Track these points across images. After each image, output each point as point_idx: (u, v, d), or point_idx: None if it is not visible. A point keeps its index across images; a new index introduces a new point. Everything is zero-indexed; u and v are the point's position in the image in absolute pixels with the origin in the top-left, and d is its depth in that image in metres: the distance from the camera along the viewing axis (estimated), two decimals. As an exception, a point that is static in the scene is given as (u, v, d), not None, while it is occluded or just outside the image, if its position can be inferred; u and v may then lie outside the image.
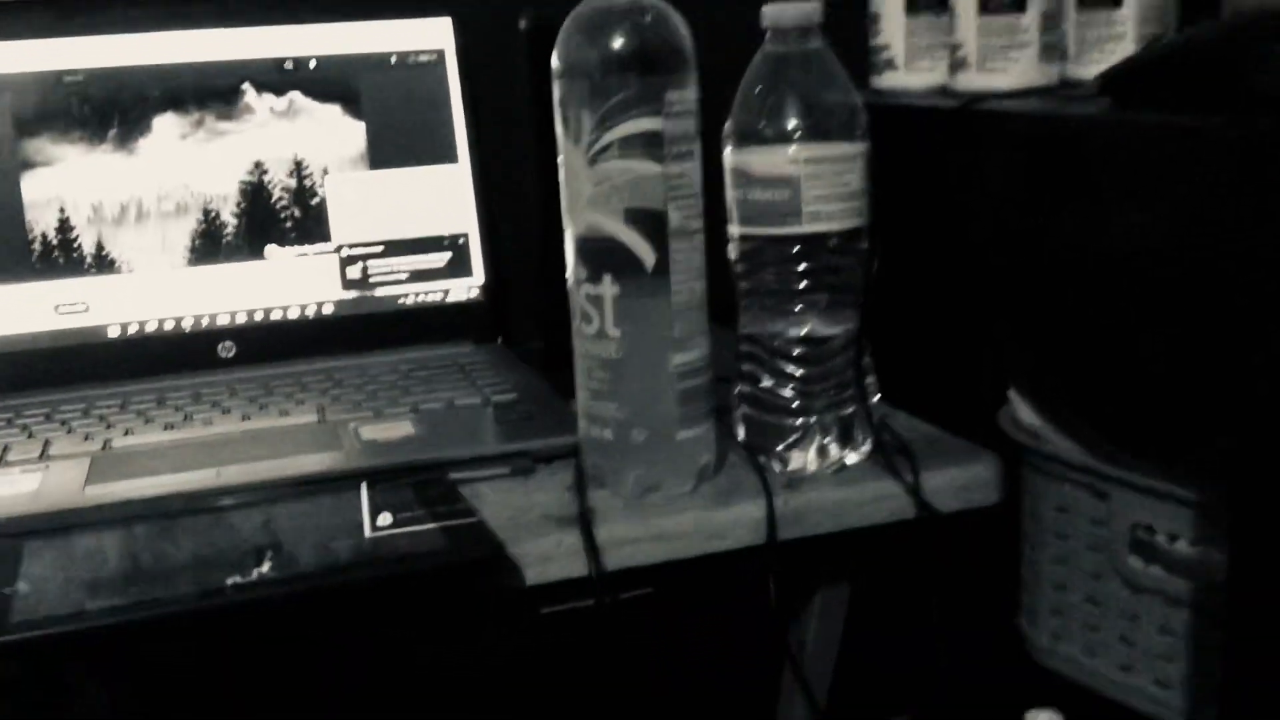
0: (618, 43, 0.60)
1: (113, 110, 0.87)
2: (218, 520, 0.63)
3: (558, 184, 0.64)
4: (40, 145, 0.85)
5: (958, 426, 0.72)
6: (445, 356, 0.89)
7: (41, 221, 0.85)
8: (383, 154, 0.92)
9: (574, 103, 0.61)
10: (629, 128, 0.60)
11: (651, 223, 0.61)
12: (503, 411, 0.76)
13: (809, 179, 0.64)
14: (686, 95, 0.61)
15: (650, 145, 0.60)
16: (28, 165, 0.85)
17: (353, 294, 0.91)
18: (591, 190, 0.61)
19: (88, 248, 0.86)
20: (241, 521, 0.63)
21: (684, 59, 0.61)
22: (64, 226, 0.86)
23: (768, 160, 0.65)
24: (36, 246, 0.85)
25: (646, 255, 0.61)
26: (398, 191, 0.92)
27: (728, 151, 0.67)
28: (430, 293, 0.92)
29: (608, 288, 0.62)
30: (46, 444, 0.74)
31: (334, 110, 0.91)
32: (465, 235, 0.93)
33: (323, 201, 0.90)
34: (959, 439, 0.70)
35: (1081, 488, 0.73)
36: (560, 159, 0.63)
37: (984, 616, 0.79)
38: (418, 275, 0.92)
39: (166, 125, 0.87)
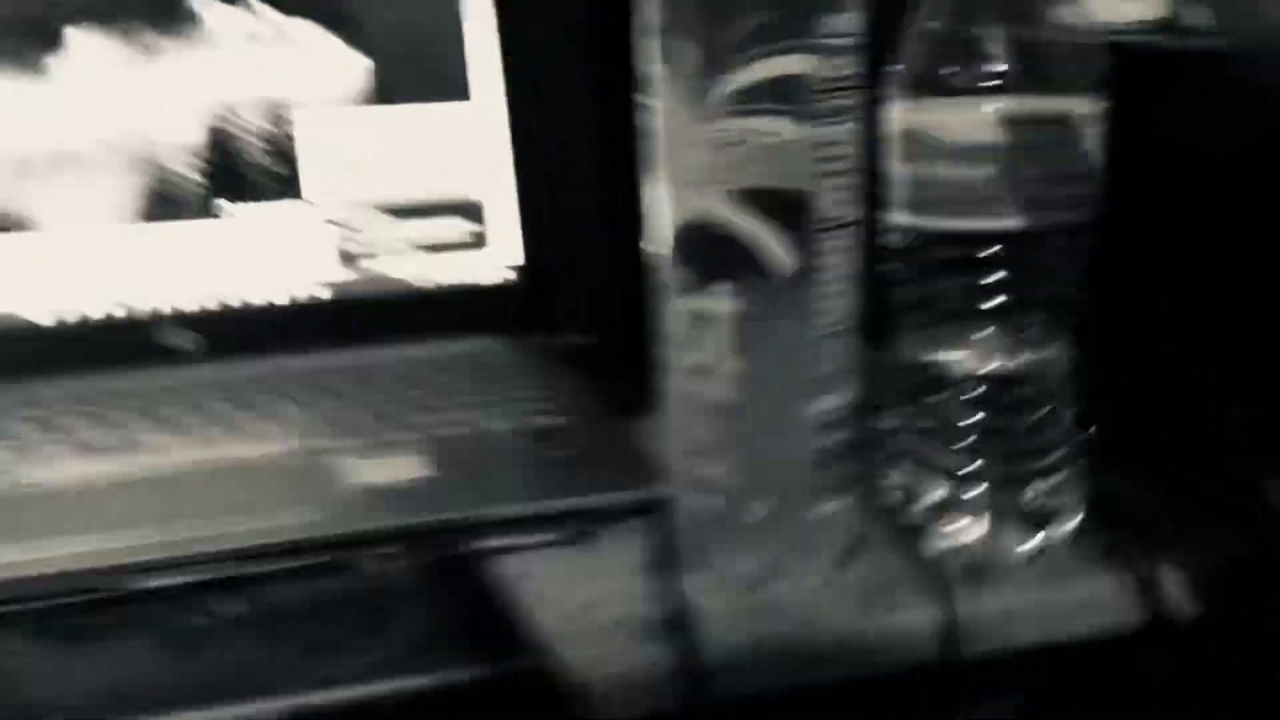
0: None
1: (16, 23, 0.66)
2: (139, 616, 0.45)
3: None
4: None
5: (1203, 496, 0.53)
6: (469, 356, 0.70)
7: (-56, 170, 0.65)
8: (386, 88, 0.71)
9: (678, 26, 0.41)
10: (763, 69, 0.40)
11: (791, 209, 0.42)
12: (548, 444, 0.57)
13: (1020, 150, 0.44)
14: (847, 23, 0.41)
15: (793, 96, 0.41)
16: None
17: (348, 272, 0.71)
18: (703, 159, 0.41)
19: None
20: (172, 621, 0.44)
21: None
22: (-25, 177, 0.66)
23: (959, 120, 0.45)
24: (-61, 202, 0.65)
25: (782, 256, 0.42)
26: (407, 139, 0.72)
27: (896, 107, 0.47)
28: (449, 271, 0.72)
29: (723, 301, 0.42)
30: (-60, 473, 0.55)
31: (316, 31, 0.70)
32: (497, 198, 0.73)
33: (307, 150, 0.70)
34: (1206, 511, 0.51)
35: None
36: (654, 109, 0.43)
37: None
38: (433, 248, 0.72)
39: (89, 44, 0.67)
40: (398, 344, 0.71)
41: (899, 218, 0.47)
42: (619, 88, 0.71)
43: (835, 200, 0.42)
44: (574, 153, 0.71)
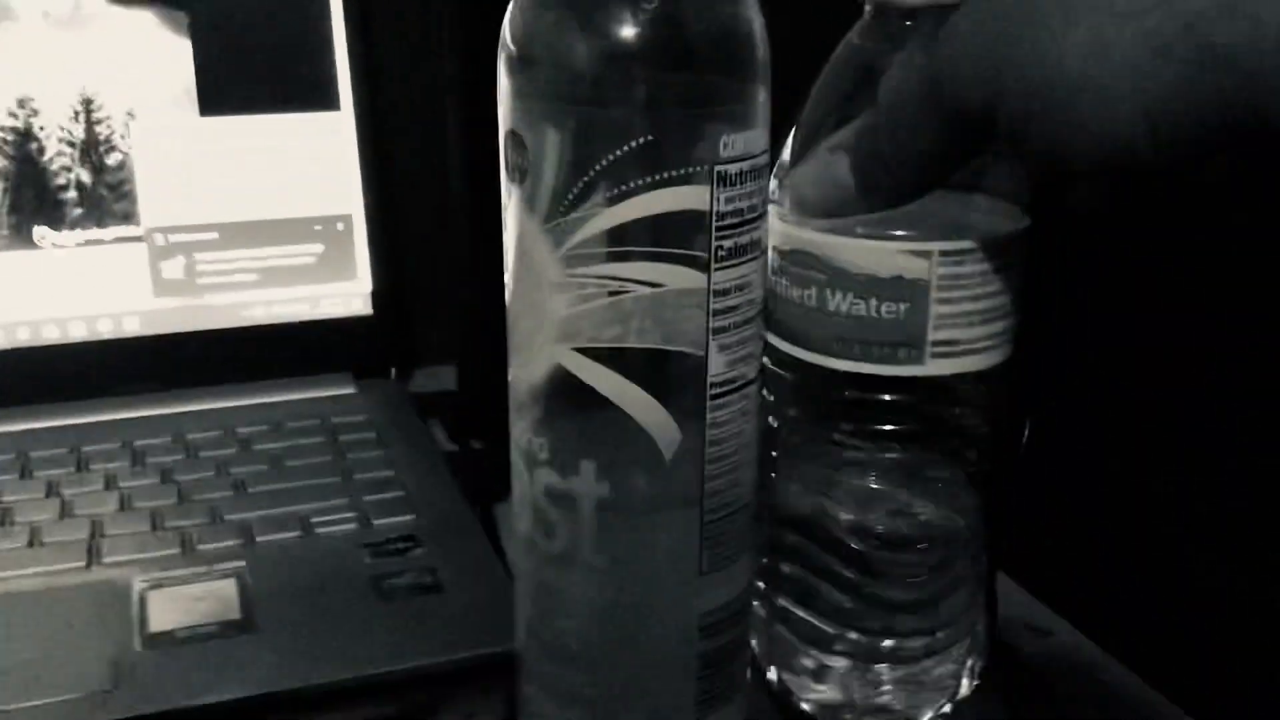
0: (634, 26, 0.30)
1: None
2: None
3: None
4: None
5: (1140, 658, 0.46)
6: (310, 406, 0.60)
7: None
8: (220, 91, 0.60)
9: (537, 130, 0.31)
10: (647, 204, 0.31)
11: (678, 375, 0.32)
12: (390, 561, 0.48)
13: (943, 285, 0.36)
14: (753, 137, 0.32)
15: (685, 236, 0.31)
16: None
17: (170, 301, 0.60)
18: (566, 310, 0.32)
19: None
20: None
21: (753, 63, 0.32)
22: None
23: (870, 248, 0.36)
24: None
25: (664, 431, 0.33)
26: (243, 150, 0.60)
27: (785, 219, 0.37)
28: (290, 302, 0.62)
29: (589, 484, 0.33)
30: None
31: (146, 18, 0.58)
32: (345, 218, 0.63)
33: (126, 161, 0.59)
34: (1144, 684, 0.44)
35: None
36: (506, 224, 0.33)
37: None
38: (271, 276, 0.62)
39: None
40: (228, 389, 0.61)
41: (783, 346, 0.38)
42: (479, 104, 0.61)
43: (732, 358, 0.33)
44: (429, 163, 0.61)
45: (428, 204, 0.62)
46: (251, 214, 0.61)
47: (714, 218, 0.31)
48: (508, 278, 0.34)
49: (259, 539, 0.49)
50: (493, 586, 0.46)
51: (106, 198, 0.59)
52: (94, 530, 0.49)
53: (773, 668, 0.42)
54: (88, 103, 0.58)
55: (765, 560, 0.41)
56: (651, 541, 0.34)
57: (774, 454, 0.40)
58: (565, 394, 0.33)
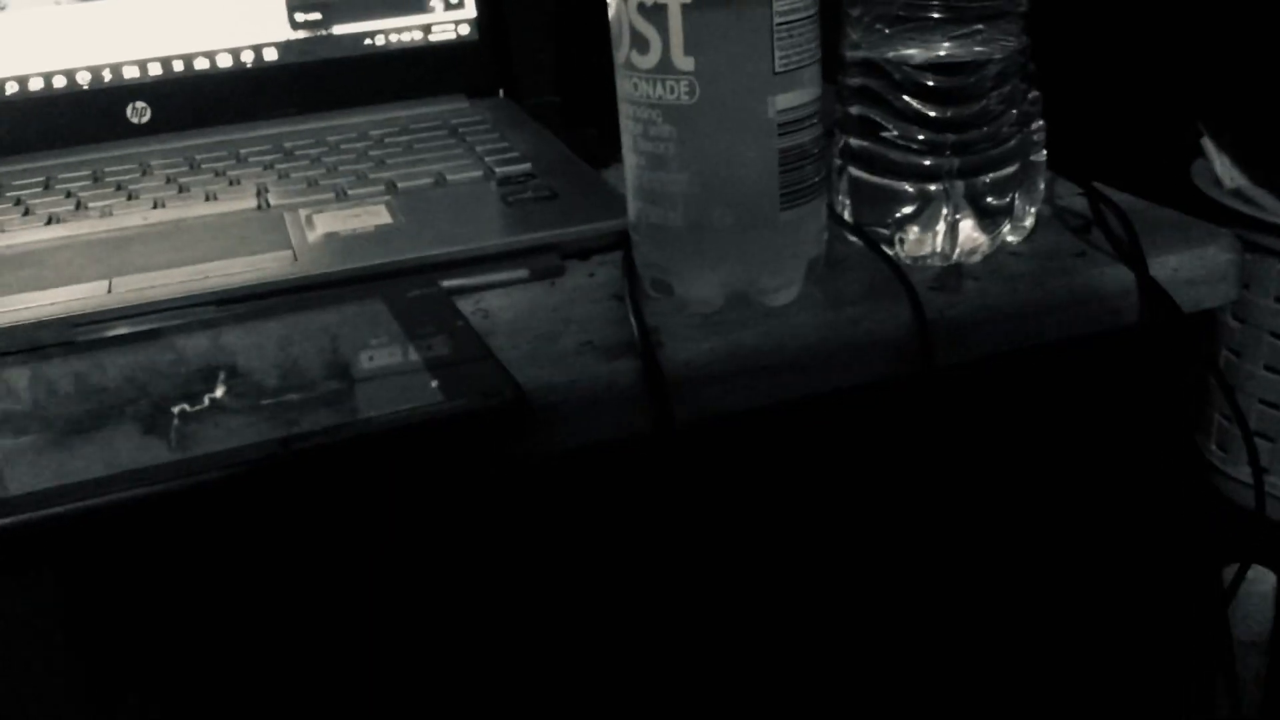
0: None
1: None
2: (93, 360, 0.43)
3: None
4: None
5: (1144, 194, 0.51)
6: (431, 116, 0.68)
7: None
8: None
9: None
10: None
11: (742, -119, 0.38)
12: (513, 188, 0.55)
13: None
14: None
15: None
16: None
17: (303, 33, 0.68)
18: None
19: (-66, -25, 0.63)
20: (115, 363, 0.43)
21: None
22: (-103, -54, 0.62)
23: None
24: None
25: (735, -65, 0.39)
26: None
27: None
28: (407, 30, 0.69)
29: (673, -9, 0.40)
30: (-119, 247, 0.53)
31: None
32: (449, -51, 0.69)
33: (253, -95, 0.66)
34: (1170, 210, 0.49)
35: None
36: None
37: (1153, 441, 0.60)
38: (390, 6, 0.69)
39: None
40: (358, 109, 0.68)
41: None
42: None
43: (790, -128, 0.39)
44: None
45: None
46: (366, -52, 0.68)
47: None
48: None
49: (401, 186, 0.56)
50: (604, 196, 0.53)
51: (240, -61, 0.66)
52: (260, 189, 0.57)
53: (849, 204, 0.48)
54: None
55: (838, 111, 0.47)
56: (731, 41, 0.40)
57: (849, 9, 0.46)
58: (649, -87, 0.39)
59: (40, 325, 0.44)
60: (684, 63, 0.40)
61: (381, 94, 0.69)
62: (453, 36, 0.70)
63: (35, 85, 0.65)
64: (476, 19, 0.70)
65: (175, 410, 0.38)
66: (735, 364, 0.42)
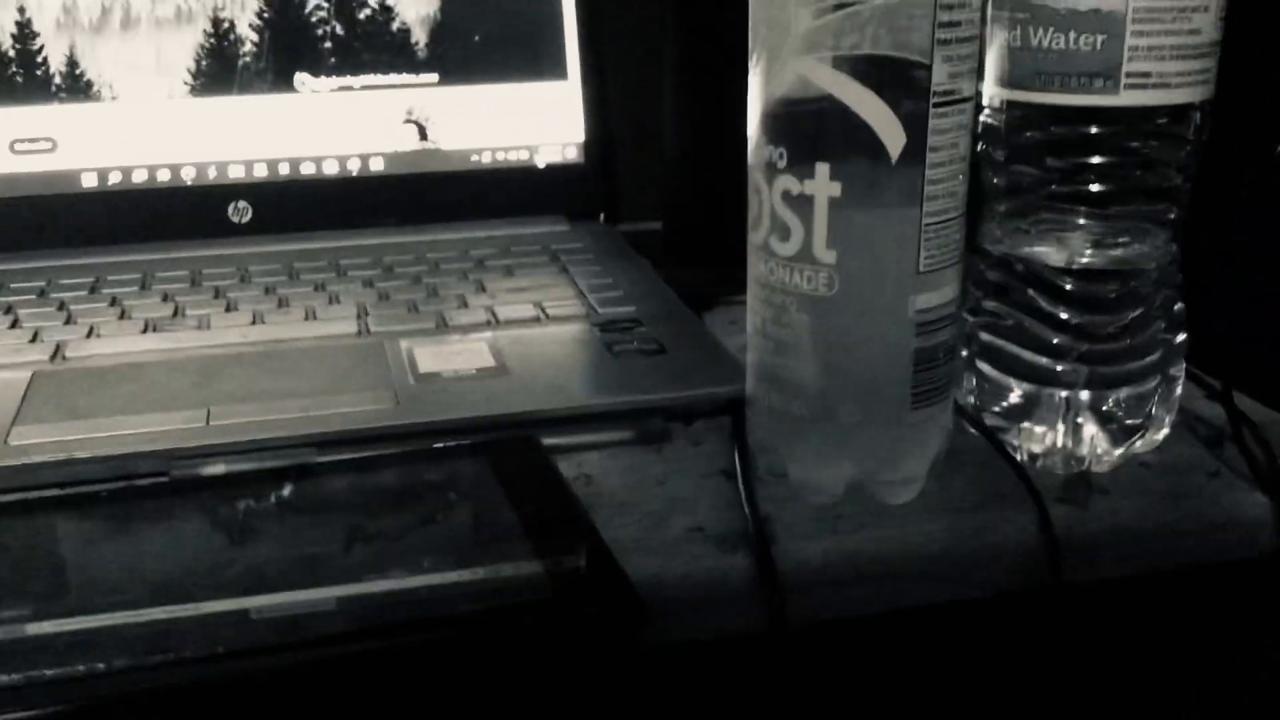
0: None
1: None
2: (194, 501, 0.42)
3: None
4: (-12, -84, 0.61)
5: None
6: (531, 238, 0.67)
7: (-10, 24, 0.62)
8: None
9: (786, -128, 0.36)
10: (885, -83, 0.36)
11: (905, 81, 0.37)
12: (618, 335, 0.53)
13: (1139, 18, 0.40)
14: None
15: (917, -50, 0.36)
16: (-29, -57, 0.61)
17: (411, 145, 0.67)
18: (809, 21, 0.37)
19: (56, 64, 0.63)
20: (225, 507, 0.41)
21: None
22: (23, 33, 0.62)
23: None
24: (-16, 59, 0.62)
25: (893, 134, 0.37)
26: (481, 11, 0.67)
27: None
28: (514, 148, 0.69)
29: (822, 184, 0.38)
30: (-22, 344, 0.52)
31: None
32: (562, 72, 0.69)
33: (375, 15, 0.66)
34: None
35: None
36: (753, -35, 0.39)
37: None
38: (499, 124, 0.68)
39: (162, -104, 0.63)
40: (460, 224, 0.68)
41: (991, 91, 0.43)
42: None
43: (954, 71, 0.38)
44: (645, 27, 0.67)
45: (637, 65, 0.68)
46: (482, 68, 0.67)
47: (942, -65, 0.36)
48: (751, 9, 0.39)
49: (502, 319, 0.55)
50: (710, 352, 0.52)
51: (359, 49, 0.66)
52: (360, 310, 0.56)
53: (975, 403, 0.46)
54: (345, -37, 0.65)
55: (971, 302, 0.45)
56: (876, 238, 0.39)
57: (991, 202, 0.44)
58: (804, 103, 0.38)
59: (138, 457, 0.43)
60: (826, 255, 0.39)
61: (482, 210, 0.68)
62: (558, 158, 0.69)
63: (139, 178, 0.65)
64: (583, 141, 0.69)
65: (265, 568, 0.37)
66: (853, 569, 0.40)
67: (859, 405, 0.40)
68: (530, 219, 0.69)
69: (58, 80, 0.63)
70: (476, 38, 0.67)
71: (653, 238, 0.70)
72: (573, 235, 0.68)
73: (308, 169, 0.66)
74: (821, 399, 0.40)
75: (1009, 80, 0.42)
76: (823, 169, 0.38)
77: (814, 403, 0.41)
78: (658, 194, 0.72)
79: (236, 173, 0.65)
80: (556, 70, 0.68)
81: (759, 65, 0.39)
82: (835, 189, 0.38)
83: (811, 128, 0.38)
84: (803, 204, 0.39)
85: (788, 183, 0.39)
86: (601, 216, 0.70)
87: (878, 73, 0.37)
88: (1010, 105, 0.43)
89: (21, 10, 0.62)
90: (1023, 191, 0.44)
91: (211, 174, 0.65)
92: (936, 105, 0.38)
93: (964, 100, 0.38)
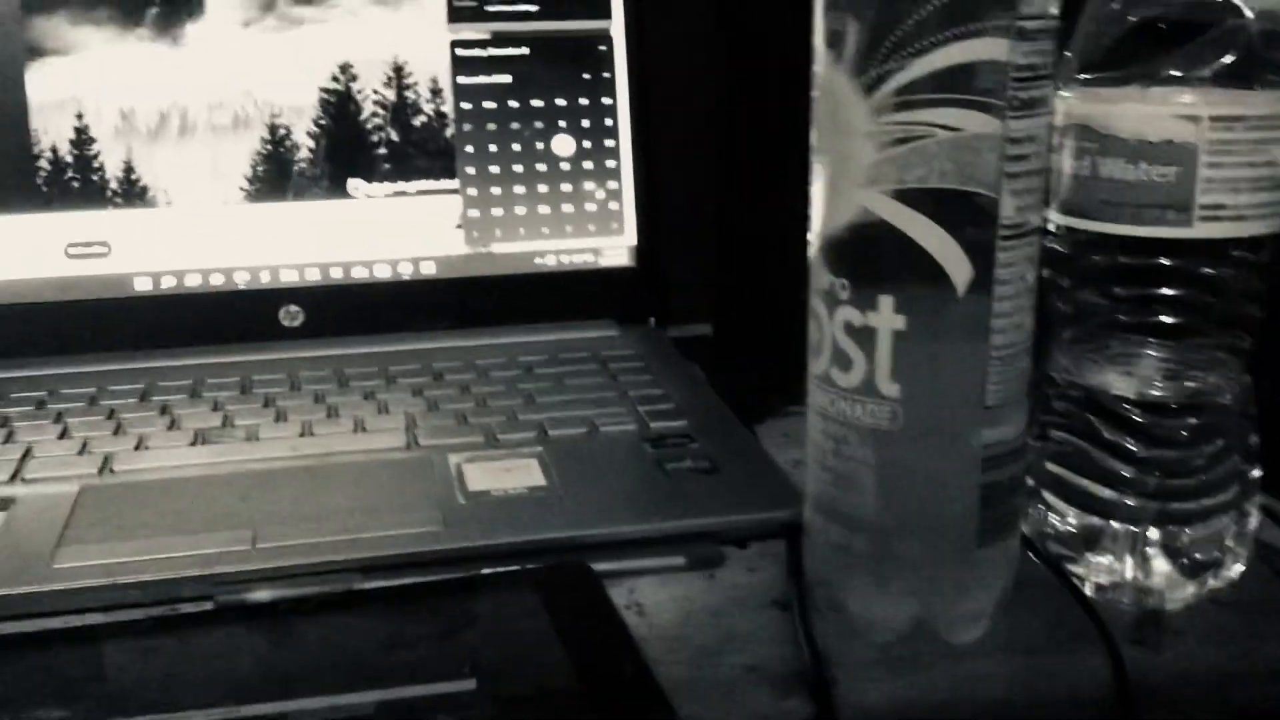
0: (944, -98, 0.34)
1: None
2: (239, 628, 0.41)
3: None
4: (54, 26, 0.62)
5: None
6: (580, 343, 0.66)
7: (51, 131, 0.63)
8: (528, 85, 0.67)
9: (851, 4, 0.36)
10: (953, 53, 0.35)
11: (972, 214, 0.36)
12: (670, 451, 0.52)
13: (1213, 150, 0.39)
14: (1048, 1, 0.36)
15: (986, 85, 0.35)
16: (36, 52, 0.62)
17: (463, 250, 0.67)
18: (874, 154, 0.36)
19: (112, 170, 0.64)
20: (268, 634, 0.41)
21: (1050, -64, 0.36)
22: (81, 139, 0.63)
23: (1142, 113, 0.39)
24: (44, 164, 0.63)
25: (959, 268, 0.37)
26: (532, 117, 0.68)
27: (1065, 94, 0.41)
28: (567, 254, 0.68)
29: (886, 316, 0.37)
30: (27, 454, 0.52)
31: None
32: (616, 176, 0.69)
33: (429, 122, 0.66)
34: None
35: None
36: (817, 88, 0.38)
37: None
38: (551, 229, 0.68)
39: (225, 6, 0.64)
40: (509, 328, 0.67)
41: (1058, 219, 0.42)
42: (750, 64, 0.66)
43: (1021, 204, 0.37)
44: (688, 117, 0.67)
45: (689, 172, 0.68)
46: (533, 174, 0.67)
47: (1012, 69, 0.35)
48: (814, 138, 0.38)
49: (551, 434, 0.54)
50: (765, 472, 0.50)
51: (412, 155, 0.66)
52: (409, 422, 0.55)
53: (1040, 533, 0.45)
54: (399, 70, 0.66)
55: (1036, 429, 0.44)
56: (942, 373, 0.38)
57: (1060, 332, 0.43)
58: (868, 235, 0.37)
59: (182, 581, 0.42)
60: (889, 388, 0.38)
61: (531, 314, 0.68)
62: (609, 262, 0.69)
63: (192, 281, 0.65)
64: (635, 245, 0.69)
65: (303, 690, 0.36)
66: (918, 714, 0.38)
67: (923, 542, 0.39)
68: (580, 323, 0.68)
69: (113, 185, 0.63)
70: (527, 145, 0.67)
71: (702, 342, 0.69)
72: (622, 341, 0.67)
73: (359, 273, 0.66)
74: (884, 535, 0.39)
75: (1077, 209, 0.41)
76: (886, 301, 0.37)
77: (876, 538, 0.39)
78: (708, 296, 0.72)
79: (289, 277, 0.65)
80: (609, 175, 0.68)
81: (821, 194, 0.38)
82: (899, 322, 0.37)
83: (875, 260, 0.37)
84: (865, 336, 0.38)
85: (850, 314, 0.38)
86: (651, 321, 0.70)
87: (944, 206, 0.36)
88: (1075, 231, 0.42)
89: (80, 116, 0.63)
90: (1090, 319, 0.42)
91: (264, 278, 0.65)
92: (1004, 238, 0.37)
93: (1031, 232, 0.38)
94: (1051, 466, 0.44)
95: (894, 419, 0.38)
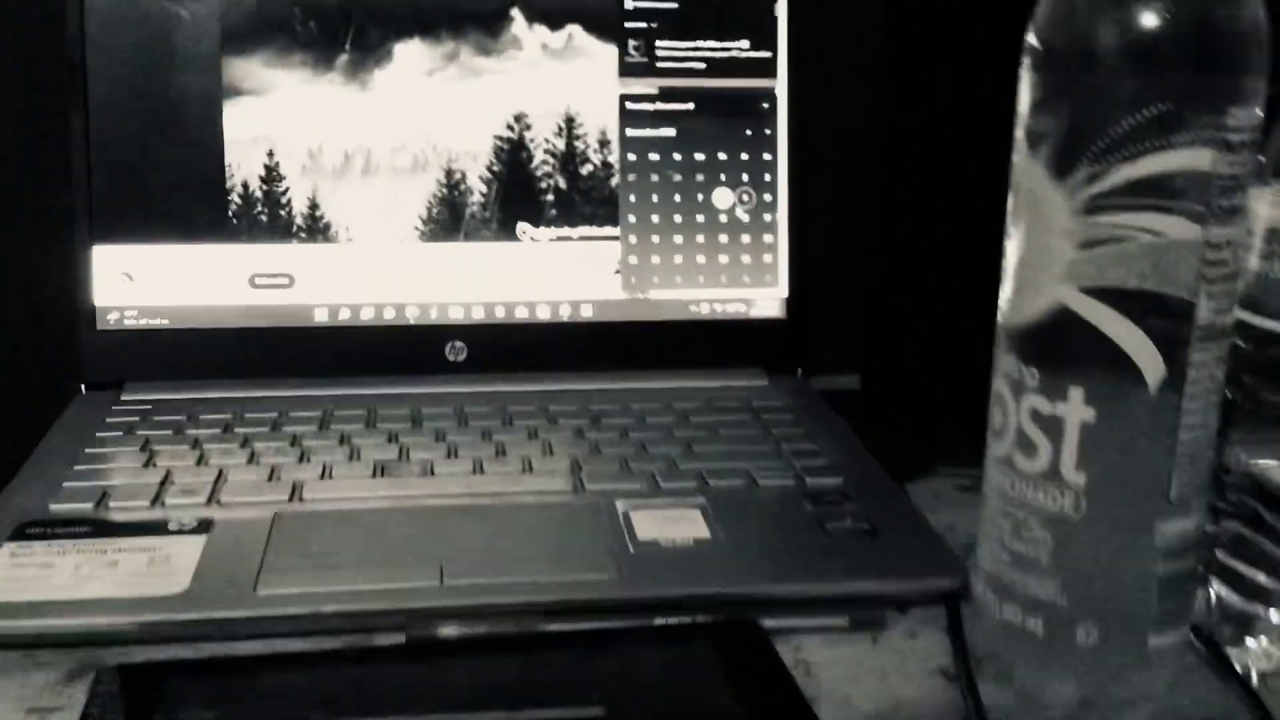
0: (1158, 17, 0.36)
1: (345, 30, 0.67)
2: (428, 663, 0.44)
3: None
4: (250, 69, 0.66)
5: None
6: (732, 392, 0.68)
7: (244, 167, 0.66)
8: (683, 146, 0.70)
9: (1059, 108, 0.37)
10: (1161, 161, 0.36)
11: (1168, 315, 0.37)
12: (829, 509, 0.54)
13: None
14: (1253, 112, 0.37)
15: (1189, 192, 0.36)
16: (233, 92, 0.66)
17: (622, 295, 0.70)
18: (1073, 252, 0.38)
19: (298, 205, 0.67)
20: (458, 670, 0.43)
21: (1259, 49, 0.37)
22: (271, 175, 0.67)
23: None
24: (235, 198, 0.67)
25: (1153, 366, 0.38)
26: (694, 170, 0.70)
27: (1263, 191, 0.42)
28: (720, 303, 0.70)
29: (1076, 408, 0.39)
30: (220, 477, 0.55)
31: (619, 52, 0.69)
32: (772, 230, 0.71)
33: (596, 171, 0.69)
34: None
35: None
36: (1015, 178, 0.39)
37: None
38: (706, 279, 0.70)
39: (411, 55, 0.67)
40: (663, 374, 0.69)
41: (1247, 316, 0.42)
42: (910, 125, 0.68)
43: (1216, 306, 0.38)
44: (842, 172, 0.69)
45: (840, 227, 0.70)
46: (691, 223, 0.69)
47: (1215, 179, 0.36)
48: (1011, 228, 0.40)
49: (711, 483, 0.56)
50: (923, 535, 0.52)
51: (578, 202, 0.69)
52: (574, 464, 0.58)
53: (1207, 619, 0.45)
54: (570, 121, 0.69)
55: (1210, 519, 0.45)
56: (1128, 466, 0.39)
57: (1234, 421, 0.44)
58: (1062, 328, 0.38)
59: (377, 615, 0.45)
60: (1075, 477, 0.39)
61: (683, 360, 0.70)
62: (760, 313, 0.71)
63: (366, 315, 0.68)
64: (786, 297, 0.71)
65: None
66: (1085, 796, 0.39)
67: (1099, 627, 0.40)
68: (729, 371, 0.70)
69: (299, 220, 0.67)
70: (687, 196, 0.69)
71: (847, 396, 0.71)
72: (771, 391, 0.69)
73: (521, 313, 0.69)
74: (1058, 618, 0.40)
75: (1265, 310, 0.42)
76: (1076, 393, 0.38)
77: (1049, 621, 0.40)
78: (855, 349, 0.73)
79: (455, 314, 0.68)
80: (765, 229, 0.70)
81: (1013, 281, 0.40)
82: (1089, 414, 0.38)
83: (1068, 352, 0.38)
84: (1053, 424, 0.39)
85: (1037, 402, 0.39)
86: (799, 372, 0.71)
87: (1141, 306, 0.37)
88: (1253, 328, 0.42)
89: (270, 154, 0.67)
90: (1267, 416, 0.43)
91: (433, 314, 0.68)
92: (1199, 340, 0.38)
93: (1223, 333, 0.38)
94: (1219, 553, 0.45)
95: (1077, 507, 0.39)
